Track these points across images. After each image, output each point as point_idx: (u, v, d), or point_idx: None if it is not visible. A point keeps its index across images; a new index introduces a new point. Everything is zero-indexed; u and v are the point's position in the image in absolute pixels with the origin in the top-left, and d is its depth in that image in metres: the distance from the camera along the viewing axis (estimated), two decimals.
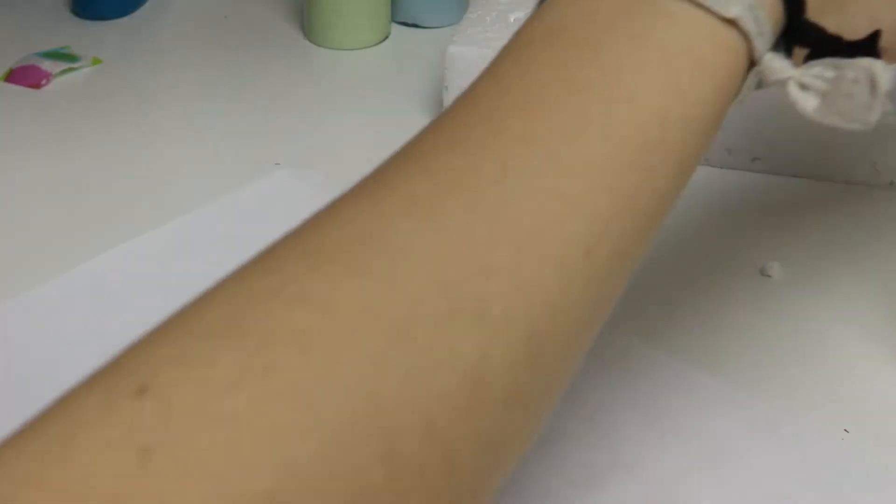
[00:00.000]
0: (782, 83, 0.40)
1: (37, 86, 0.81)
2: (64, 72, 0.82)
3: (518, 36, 0.38)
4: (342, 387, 0.30)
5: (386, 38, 0.82)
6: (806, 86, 0.40)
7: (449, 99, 0.71)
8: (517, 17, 0.72)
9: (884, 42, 0.42)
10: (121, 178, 0.71)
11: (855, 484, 0.50)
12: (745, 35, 0.39)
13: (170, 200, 0.68)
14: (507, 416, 0.33)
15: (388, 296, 0.32)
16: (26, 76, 0.82)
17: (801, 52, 0.42)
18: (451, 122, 0.36)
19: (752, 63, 0.40)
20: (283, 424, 0.29)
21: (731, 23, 0.38)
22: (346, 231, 0.33)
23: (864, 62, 0.40)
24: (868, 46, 0.42)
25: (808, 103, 0.41)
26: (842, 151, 0.68)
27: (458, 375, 0.32)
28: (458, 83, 0.71)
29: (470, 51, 0.70)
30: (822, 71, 0.40)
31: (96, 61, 0.84)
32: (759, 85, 0.41)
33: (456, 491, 0.32)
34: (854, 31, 0.42)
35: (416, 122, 0.75)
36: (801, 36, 0.41)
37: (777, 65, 0.40)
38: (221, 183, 0.69)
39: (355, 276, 0.32)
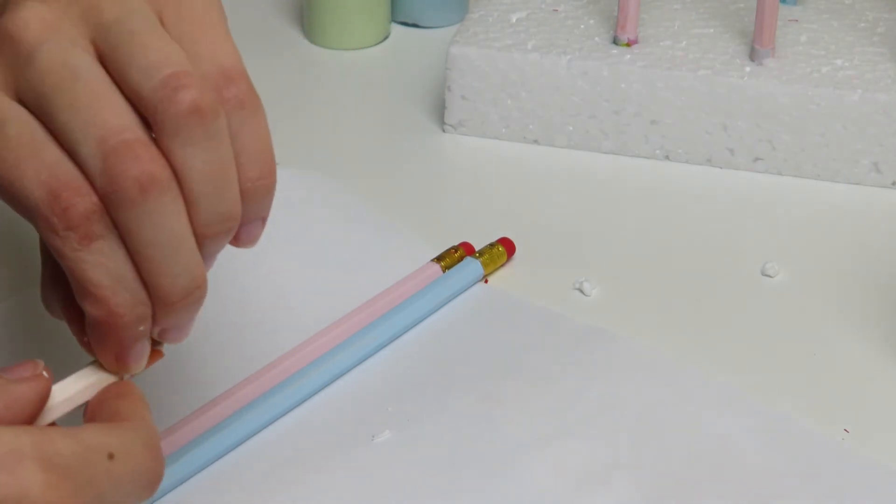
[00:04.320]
0: None
1: None
2: None
3: None
4: None
5: (386, 38, 0.82)
6: None
7: (451, 99, 0.71)
8: (519, 17, 0.72)
9: None
10: None
11: (855, 484, 0.50)
12: None
13: None
14: None
15: None
16: None
17: None
18: None
19: None
20: None
21: None
22: None
23: None
24: None
25: None
26: (844, 152, 0.68)
27: None
28: (460, 83, 0.71)
29: (472, 51, 0.70)
30: None
31: None
32: None
33: None
34: None
35: (417, 122, 0.75)
36: None
37: None
38: None
39: None
